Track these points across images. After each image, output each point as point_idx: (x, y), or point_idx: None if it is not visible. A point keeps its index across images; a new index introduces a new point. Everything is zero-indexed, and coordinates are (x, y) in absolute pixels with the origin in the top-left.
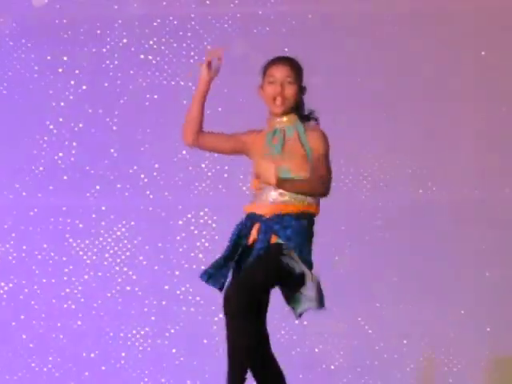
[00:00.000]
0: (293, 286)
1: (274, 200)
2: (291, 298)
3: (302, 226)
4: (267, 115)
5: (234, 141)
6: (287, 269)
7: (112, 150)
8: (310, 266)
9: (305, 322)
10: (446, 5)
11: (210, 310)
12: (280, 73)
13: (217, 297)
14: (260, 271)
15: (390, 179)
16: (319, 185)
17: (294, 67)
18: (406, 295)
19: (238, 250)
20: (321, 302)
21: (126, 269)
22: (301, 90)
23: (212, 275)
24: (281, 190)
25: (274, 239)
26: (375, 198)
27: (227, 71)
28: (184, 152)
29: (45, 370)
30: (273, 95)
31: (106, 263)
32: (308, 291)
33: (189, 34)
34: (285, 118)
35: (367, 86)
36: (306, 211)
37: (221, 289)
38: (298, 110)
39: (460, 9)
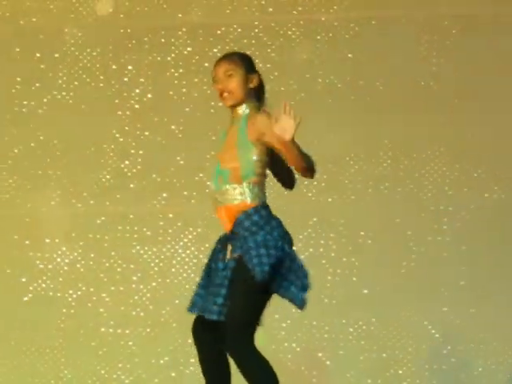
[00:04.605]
0: None
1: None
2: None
3: (247, 230)
4: None
5: None
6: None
7: (178, 158)
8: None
9: (372, 328)
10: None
11: (276, 315)
12: (219, 70)
13: (282, 303)
14: (236, 307)
15: (457, 184)
16: (310, 160)
17: (233, 60)
18: (473, 299)
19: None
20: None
21: (193, 275)
22: (247, 78)
23: None
24: (214, 191)
25: (235, 255)
26: (440, 201)
27: (291, 77)
28: None
29: (114, 376)
30: (219, 92)
31: (173, 270)
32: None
33: (253, 42)
34: (238, 111)
35: (429, 87)
36: (236, 212)
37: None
38: (257, 96)
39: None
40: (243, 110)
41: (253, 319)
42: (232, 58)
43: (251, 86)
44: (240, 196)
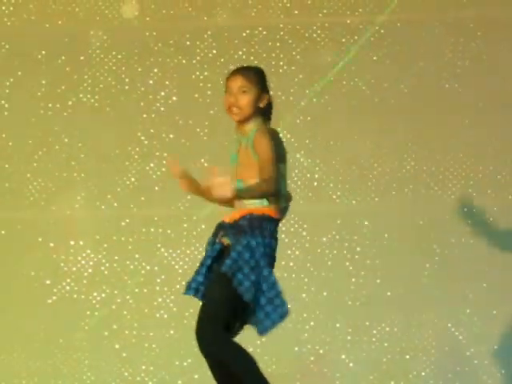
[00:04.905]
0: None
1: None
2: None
3: (250, 227)
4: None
5: None
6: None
7: (202, 160)
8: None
9: (395, 329)
10: None
11: (300, 318)
12: (234, 83)
13: (307, 305)
14: (213, 298)
15: (480, 185)
16: (266, 186)
17: (249, 77)
18: (495, 301)
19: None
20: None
21: None
22: (259, 97)
23: None
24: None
25: (226, 241)
26: (464, 203)
27: (316, 79)
28: None
29: (138, 379)
30: (228, 105)
31: None
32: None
33: (277, 44)
34: (245, 129)
35: (453, 90)
36: (262, 214)
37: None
38: (264, 114)
39: None
40: (251, 128)
41: (226, 311)
42: (249, 75)
43: (261, 105)
44: (266, 203)
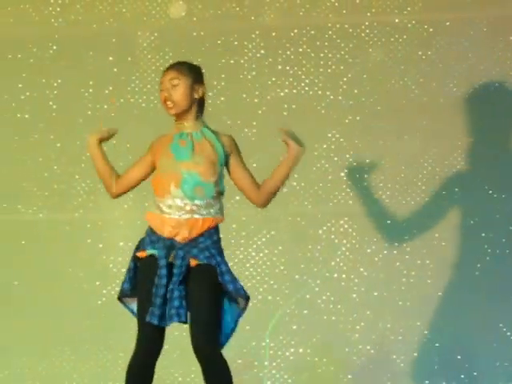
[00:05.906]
0: None
1: (181, 216)
2: None
3: (215, 244)
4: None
5: (142, 164)
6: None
7: (251, 161)
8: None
9: (446, 330)
10: None
11: (350, 318)
12: (165, 78)
13: (357, 305)
14: (210, 308)
15: None
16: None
17: (179, 69)
18: None
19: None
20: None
21: (267, 278)
22: (192, 87)
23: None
24: (185, 200)
25: (194, 262)
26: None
27: (365, 78)
28: (323, 161)
29: (188, 379)
30: (163, 100)
31: (247, 273)
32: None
33: (326, 44)
34: (188, 123)
35: (503, 89)
36: (214, 224)
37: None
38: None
39: None
40: (200, 125)
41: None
42: (179, 68)
43: (196, 96)
44: (219, 210)
